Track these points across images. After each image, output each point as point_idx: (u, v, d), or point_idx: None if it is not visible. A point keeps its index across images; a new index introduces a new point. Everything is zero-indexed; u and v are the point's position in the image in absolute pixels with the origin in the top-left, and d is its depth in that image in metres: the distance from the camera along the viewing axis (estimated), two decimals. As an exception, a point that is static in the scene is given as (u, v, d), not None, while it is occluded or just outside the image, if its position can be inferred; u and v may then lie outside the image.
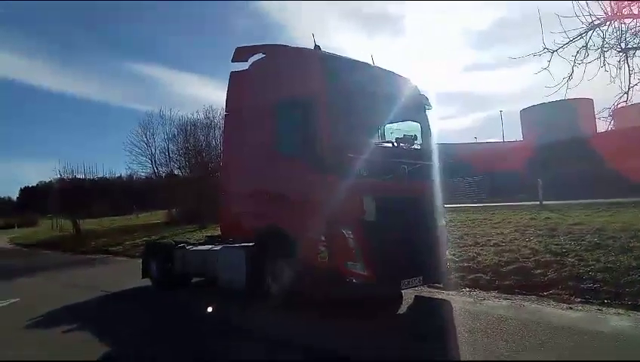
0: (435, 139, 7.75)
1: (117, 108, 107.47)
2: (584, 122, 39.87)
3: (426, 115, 7.72)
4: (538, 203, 18.95)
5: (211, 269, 8.10)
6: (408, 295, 7.16)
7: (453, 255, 9.41)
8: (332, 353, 4.78)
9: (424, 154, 7.36)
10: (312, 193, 6.39)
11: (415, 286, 6.74)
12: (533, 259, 8.12)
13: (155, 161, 30.94)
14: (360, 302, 6.42)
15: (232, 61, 7.90)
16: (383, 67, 7.60)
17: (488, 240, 10.66)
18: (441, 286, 7.67)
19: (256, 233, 7.19)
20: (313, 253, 6.18)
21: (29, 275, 13.48)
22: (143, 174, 32.65)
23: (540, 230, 11.28)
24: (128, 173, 37.32)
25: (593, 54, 7.19)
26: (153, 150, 30.89)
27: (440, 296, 7.26)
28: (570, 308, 6.00)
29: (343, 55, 7.28)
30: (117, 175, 42.16)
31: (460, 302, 6.79)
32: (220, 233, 9.00)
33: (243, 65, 7.87)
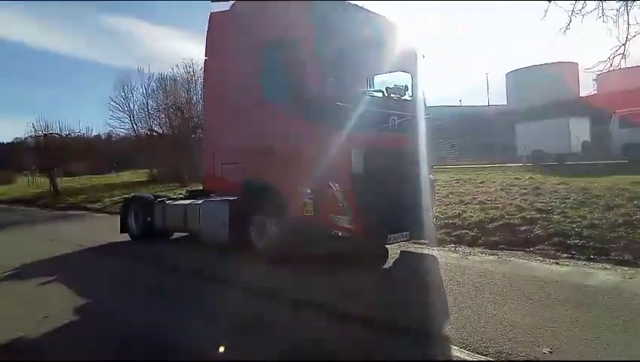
0: (426, 91, 7.46)
1: (92, 64, 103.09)
2: (568, 86, 39.96)
3: (417, 66, 7.39)
4: (522, 164, 19.07)
5: (193, 223, 7.87)
6: (394, 250, 7.07)
7: (439, 212, 9.33)
8: (320, 306, 4.63)
9: (414, 106, 7.09)
10: (297, 144, 6.11)
11: (401, 241, 6.62)
12: (518, 216, 8.07)
13: (133, 117, 30.14)
14: (346, 257, 6.30)
15: (213, 1, 7.37)
16: (376, 11, 7.17)
17: (473, 198, 10.61)
18: (426, 242, 7.60)
19: (241, 186, 6.92)
20: (298, 207, 5.97)
21: (3, 230, 13.09)
22: (121, 132, 31.86)
23: (524, 189, 11.25)
24: (107, 131, 36.18)
25: (591, 4, 6.94)
26: (132, 106, 30.06)
27: (426, 252, 7.18)
28: (557, 263, 5.96)
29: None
30: (95, 133, 40.83)
31: (446, 257, 6.72)
32: (201, 187, 8.72)
33: (224, 6, 7.36)
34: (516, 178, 14.04)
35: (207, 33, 7.51)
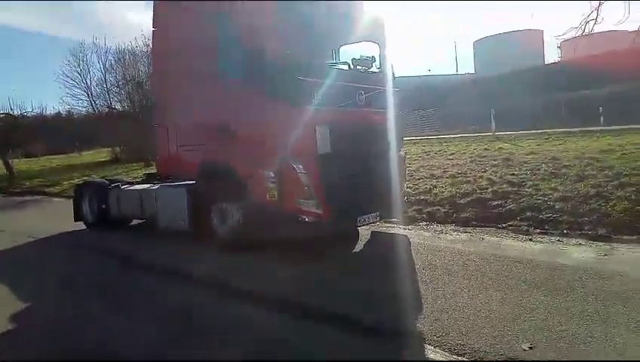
0: (394, 63, 7.03)
1: (41, 35, 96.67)
2: (534, 53, 40.23)
3: (384, 36, 6.94)
4: (491, 134, 19.04)
5: (150, 210, 7.33)
6: (364, 231, 6.77)
7: (409, 188, 9.09)
8: (281, 301, 4.27)
9: (382, 79, 6.68)
10: (256, 122, 5.65)
11: (372, 223, 6.31)
12: (490, 190, 7.88)
13: (91, 94, 28.68)
14: (313, 241, 5.95)
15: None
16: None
17: (444, 171, 10.42)
18: (398, 221, 7.34)
19: (198, 170, 6.42)
20: (261, 191, 5.55)
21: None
22: (79, 109, 30.35)
23: (495, 160, 11.13)
24: (66, 109, 34.33)
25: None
26: (89, 82, 28.53)
27: (397, 232, 6.91)
28: (530, 240, 5.79)
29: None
30: (53, 111, 38.77)
31: (418, 236, 6.48)
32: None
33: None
34: (486, 148, 13.96)
35: (154, 2, 6.82)
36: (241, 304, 4.34)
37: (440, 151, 15.31)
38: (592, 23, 6.73)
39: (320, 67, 5.69)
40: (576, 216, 6.18)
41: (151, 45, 7.12)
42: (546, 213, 6.47)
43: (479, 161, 11.29)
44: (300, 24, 5.74)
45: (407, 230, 6.95)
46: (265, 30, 5.35)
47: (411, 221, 7.36)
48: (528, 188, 7.68)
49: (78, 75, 27.53)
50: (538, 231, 6.08)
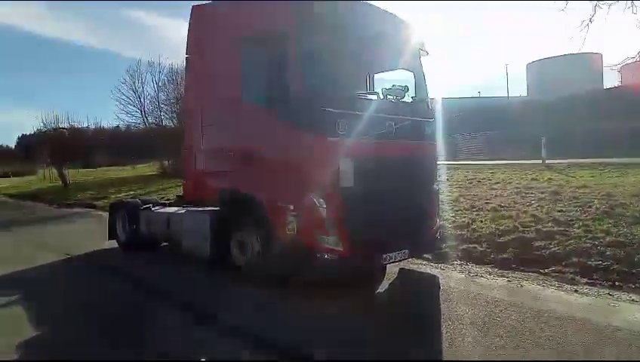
0: (432, 92, 6.68)
1: (103, 54, 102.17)
2: (592, 77, 38.25)
3: (421, 63, 6.62)
4: (540, 162, 18.03)
5: (176, 234, 7.27)
6: (393, 267, 6.35)
7: (447, 220, 8.60)
8: (285, 344, 3.97)
9: (417, 109, 6.34)
10: (279, 152, 5.46)
11: (400, 261, 5.90)
12: (534, 228, 7.28)
13: (144, 111, 29.88)
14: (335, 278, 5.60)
15: (195, -8, 6.72)
16: (372, 3, 6.40)
17: (486, 203, 9.83)
18: (430, 258, 6.90)
19: (221, 196, 6.29)
20: (281, 224, 5.31)
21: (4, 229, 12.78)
22: (134, 125, 31.66)
23: (542, 192, 10.41)
24: (118, 123, 36.00)
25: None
26: (142, 100, 29.75)
27: (428, 270, 6.45)
28: (576, 291, 5.18)
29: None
30: (110, 125, 40.82)
31: (450, 278, 5.99)
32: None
33: None
34: (534, 179, 13.16)
35: (189, 28, 6.85)
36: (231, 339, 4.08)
37: (484, 179, 14.62)
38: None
39: (347, 97, 5.43)
40: (630, 265, 5.52)
41: (184, 71, 7.09)
42: (595, 260, 5.83)
43: (525, 193, 10.60)
44: (328, 54, 5.53)
45: (439, 269, 6.48)
46: (291, 59, 5.16)
47: (445, 259, 6.87)
48: (577, 228, 7.03)
49: (133, 92, 28.77)
50: (585, 280, 5.46)
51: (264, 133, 5.60)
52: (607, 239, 6.34)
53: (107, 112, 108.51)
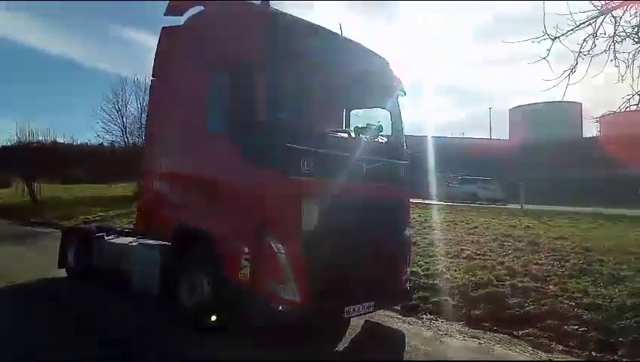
0: (405, 132, 6.36)
1: (90, 70, 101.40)
2: (571, 125, 39.12)
3: (397, 103, 6.33)
4: (519, 207, 17.95)
5: (125, 267, 6.68)
6: (357, 319, 5.85)
7: (420, 266, 8.19)
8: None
9: (392, 149, 6.01)
10: (237, 187, 5.03)
11: (364, 314, 5.43)
12: (509, 282, 6.89)
13: (126, 130, 29.27)
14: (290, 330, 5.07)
15: (165, 14, 6.38)
16: (351, 38, 6.13)
17: (461, 249, 9.47)
18: (398, 308, 6.44)
19: (173, 231, 5.78)
20: (233, 266, 4.82)
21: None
22: (115, 143, 30.90)
23: (519, 241, 10.15)
24: (102, 141, 35.00)
25: (602, 45, 5.92)
26: (125, 119, 29.19)
27: (395, 325, 5.96)
28: (550, 361, 4.76)
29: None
30: (99, 142, 39.74)
31: (417, 336, 5.49)
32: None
33: (178, 20, 6.36)
34: (512, 226, 12.92)
35: (157, 50, 6.48)
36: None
37: (463, 221, 14.34)
38: (633, 108, 5.90)
39: (315, 134, 5.04)
40: (608, 333, 5.13)
41: (148, 95, 6.69)
42: (572, 324, 5.43)
43: (502, 241, 10.32)
44: (298, 83, 5.20)
45: (407, 324, 5.99)
46: (256, 86, 4.78)
47: (415, 311, 6.42)
48: (553, 285, 6.68)
49: (116, 111, 28.19)
50: (561, 347, 5.05)
51: (223, 165, 5.18)
52: (585, 301, 5.97)
53: (87, 129, 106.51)
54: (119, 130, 28.71)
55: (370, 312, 5.48)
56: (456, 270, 7.85)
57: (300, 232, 4.67)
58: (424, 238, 11.09)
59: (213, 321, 5.09)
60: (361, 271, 5.19)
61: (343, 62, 5.57)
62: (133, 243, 6.79)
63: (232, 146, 4.97)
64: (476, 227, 13.05)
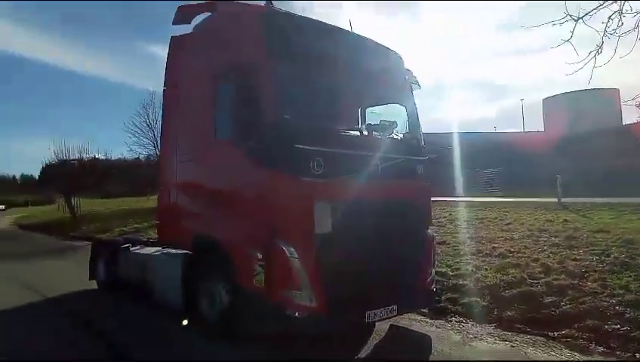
0: (422, 127, 6.10)
1: (120, 86, 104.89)
2: (611, 113, 37.34)
3: (412, 97, 6.10)
4: (556, 200, 17.13)
5: (149, 278, 6.69)
6: (383, 323, 5.62)
7: (449, 267, 7.87)
8: None
9: (408, 145, 5.78)
10: (248, 193, 4.93)
11: (387, 318, 5.20)
12: (543, 280, 6.51)
13: (157, 143, 29.86)
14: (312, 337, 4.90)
15: (174, 23, 6.36)
16: (360, 34, 5.95)
17: (494, 247, 9.06)
18: (426, 311, 6.17)
19: (192, 241, 5.73)
20: (248, 275, 4.70)
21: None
22: (151, 156, 31.55)
23: (556, 236, 9.64)
24: (138, 155, 35.83)
25: (629, 22, 5.51)
26: (156, 132, 29.79)
27: (422, 329, 5.70)
28: (590, 363, 4.41)
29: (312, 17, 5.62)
30: (135, 156, 40.98)
31: (445, 340, 5.23)
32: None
33: (187, 29, 6.35)
34: (548, 220, 12.32)
35: (167, 60, 6.49)
36: None
37: (496, 219, 13.84)
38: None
39: (324, 134, 4.88)
40: (654, 332, 4.72)
41: (162, 104, 6.70)
42: (613, 323, 5.03)
43: (537, 237, 9.85)
44: (306, 84, 5.07)
45: (434, 327, 5.72)
46: (262, 90, 4.67)
47: (443, 314, 6.13)
48: (592, 282, 6.25)
49: (146, 125, 28.81)
50: (601, 349, 4.67)
51: (232, 171, 5.09)
52: (627, 297, 5.55)
53: (120, 143, 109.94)
54: (151, 143, 29.28)
55: (394, 316, 5.24)
56: (487, 269, 7.49)
57: (313, 235, 4.51)
58: (454, 237, 10.73)
59: (233, 331, 5.00)
60: (381, 274, 4.99)
61: (352, 58, 5.39)
62: (156, 254, 6.80)
63: (239, 151, 4.88)
64: (510, 223, 12.55)
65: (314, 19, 5.41)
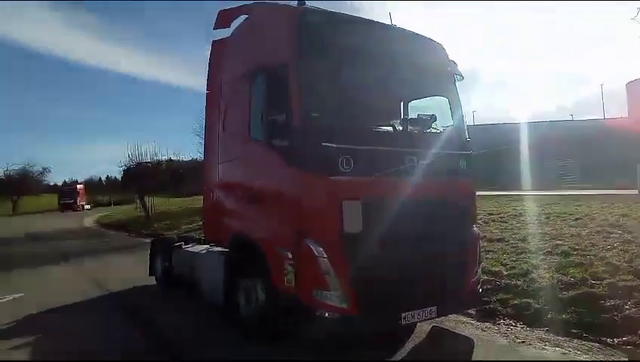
0: (466, 119, 5.79)
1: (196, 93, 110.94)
2: None
3: (455, 89, 5.80)
4: (637, 192, 15.65)
5: (197, 275, 6.94)
6: (425, 324, 5.42)
7: (504, 265, 7.43)
8: None
9: (450, 140, 5.49)
10: (278, 192, 4.93)
11: (426, 320, 5.00)
12: (608, 281, 5.95)
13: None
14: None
15: (214, 28, 6.53)
16: (398, 26, 5.74)
17: (557, 245, 8.42)
18: (473, 313, 5.88)
19: (231, 239, 5.86)
20: (280, 274, 4.71)
21: (67, 262, 13.48)
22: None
23: (629, 233, 8.76)
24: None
25: None
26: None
27: (466, 331, 5.43)
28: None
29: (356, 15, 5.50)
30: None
31: (490, 345, 4.94)
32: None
33: (227, 33, 6.49)
34: (624, 215, 11.25)
35: (209, 63, 6.67)
36: None
37: (564, 213, 12.83)
38: None
39: (354, 130, 4.75)
40: None
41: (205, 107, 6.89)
42: (684, 331, 4.49)
43: (608, 233, 9.00)
44: (339, 80, 4.97)
45: (480, 330, 5.43)
46: (291, 88, 4.64)
47: (491, 316, 5.81)
48: (664, 284, 5.61)
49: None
50: (667, 359, 4.19)
51: (266, 171, 5.12)
52: None
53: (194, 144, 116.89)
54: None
55: (433, 318, 5.01)
56: (545, 268, 6.98)
57: (342, 234, 4.42)
58: (515, 234, 10.10)
59: (269, 330, 5.04)
60: (418, 274, 4.80)
61: (390, 51, 5.21)
62: (202, 252, 7.03)
63: (270, 151, 4.89)
64: (580, 218, 11.58)
65: (348, 15, 5.31)
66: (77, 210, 56.29)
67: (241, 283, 5.53)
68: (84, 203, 61.83)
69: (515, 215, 13.38)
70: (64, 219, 37.84)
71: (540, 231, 10.19)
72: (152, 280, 9.05)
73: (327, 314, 4.38)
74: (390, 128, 5.22)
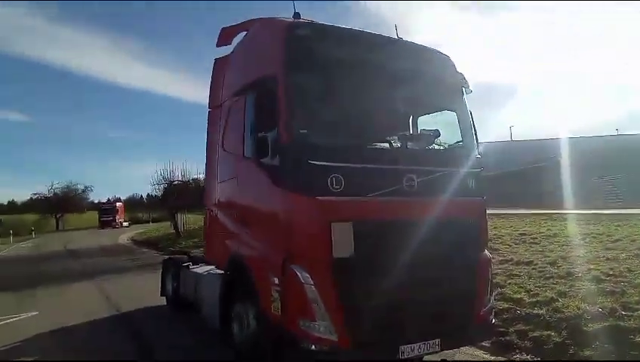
0: (477, 134, 5.35)
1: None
2: None
3: (464, 102, 5.41)
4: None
5: (198, 296, 6.75)
6: (434, 356, 4.95)
7: (527, 292, 6.87)
8: None
9: (456, 157, 5.10)
10: (264, 212, 4.71)
11: (428, 354, 4.55)
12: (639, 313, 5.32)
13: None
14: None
15: (217, 45, 6.44)
16: (401, 38, 5.44)
17: (589, 269, 7.75)
18: (488, 344, 5.38)
19: (227, 261, 5.62)
20: (267, 300, 4.43)
21: (91, 279, 13.65)
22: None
23: (674, 257, 7.99)
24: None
25: None
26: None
27: (475, 365, 4.95)
28: None
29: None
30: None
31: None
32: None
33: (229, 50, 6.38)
34: (669, 237, 10.35)
35: (210, 82, 6.58)
36: None
37: (602, 234, 11.96)
38: None
39: (346, 148, 4.44)
40: None
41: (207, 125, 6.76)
42: None
43: (648, 258, 8.23)
44: (332, 95, 4.72)
45: (491, 365, 4.93)
46: (279, 103, 4.40)
47: (508, 349, 5.29)
48: None
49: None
50: None
51: (256, 191, 4.89)
52: None
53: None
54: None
55: (437, 352, 4.56)
56: (572, 296, 6.38)
57: (330, 259, 4.10)
58: (546, 256, 9.43)
59: (258, 359, 4.73)
60: (420, 304, 4.40)
61: (385, 64, 4.90)
62: (204, 273, 6.84)
63: (260, 169, 4.66)
64: (619, 240, 10.74)
65: (341, 27, 5.04)
66: (115, 227, 57.91)
67: (235, 308, 5.26)
68: (122, 220, 63.56)
69: (549, 235, 12.60)
70: (101, 237, 38.92)
71: (573, 254, 9.49)
72: (162, 301, 8.94)
73: (313, 347, 4.04)
74: (387, 145, 4.89)
